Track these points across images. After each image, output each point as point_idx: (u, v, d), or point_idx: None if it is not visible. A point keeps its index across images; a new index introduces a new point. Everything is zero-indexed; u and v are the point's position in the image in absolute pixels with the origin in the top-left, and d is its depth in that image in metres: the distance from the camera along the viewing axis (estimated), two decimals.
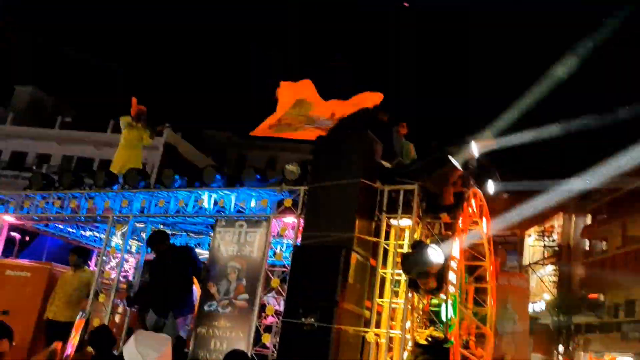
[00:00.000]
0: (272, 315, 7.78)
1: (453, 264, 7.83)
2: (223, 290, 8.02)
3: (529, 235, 31.97)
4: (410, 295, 7.33)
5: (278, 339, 7.34)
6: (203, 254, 9.63)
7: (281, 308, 7.73)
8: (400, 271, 7.50)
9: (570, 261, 29.39)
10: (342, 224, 7.27)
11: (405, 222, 7.72)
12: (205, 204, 8.69)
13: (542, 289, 29.09)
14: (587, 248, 29.70)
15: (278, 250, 8.30)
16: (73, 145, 38.23)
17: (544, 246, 31.27)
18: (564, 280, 29.16)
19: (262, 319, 7.78)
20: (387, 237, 7.69)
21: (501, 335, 10.59)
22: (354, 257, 7.16)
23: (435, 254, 6.98)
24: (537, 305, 27.91)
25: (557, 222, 31.26)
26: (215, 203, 8.60)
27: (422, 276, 6.81)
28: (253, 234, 8.10)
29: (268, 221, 8.09)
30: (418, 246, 7.03)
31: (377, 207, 7.70)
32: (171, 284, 8.18)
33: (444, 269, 7.16)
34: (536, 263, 31.32)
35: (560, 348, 26.98)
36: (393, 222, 7.72)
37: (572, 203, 29.92)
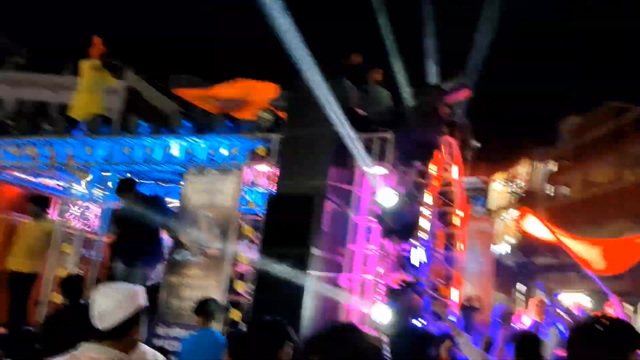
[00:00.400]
0: (246, 264, 7.77)
1: (425, 210, 7.90)
2: (195, 239, 7.95)
3: (495, 181, 32.62)
4: (382, 241, 7.42)
5: (253, 287, 7.38)
6: (172, 202, 9.49)
7: (254, 256, 7.72)
8: (373, 218, 7.55)
9: (533, 206, 30.20)
10: (316, 173, 7.23)
11: (379, 170, 7.71)
12: (175, 152, 8.48)
13: (506, 233, 29.94)
14: (551, 193, 30.49)
15: (250, 199, 8.20)
16: (27, 88, 36.61)
17: (510, 192, 32.00)
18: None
19: (235, 267, 7.77)
20: (360, 185, 7.69)
21: (468, 278, 10.85)
22: (328, 205, 7.16)
23: (408, 203, 7.03)
24: (501, 248, 28.77)
25: (522, 168, 31.92)
26: (186, 151, 8.40)
27: (396, 225, 6.85)
28: (225, 183, 7.98)
29: (240, 169, 7.97)
30: (393, 195, 7.06)
31: (351, 155, 7.64)
32: (139, 233, 8.03)
33: (416, 216, 7.24)
34: (502, 208, 32.11)
35: (520, 287, 28.04)
36: (367, 170, 7.69)
37: (537, 150, 30.54)
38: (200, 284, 7.73)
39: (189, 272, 7.86)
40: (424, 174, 8.01)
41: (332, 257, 7.25)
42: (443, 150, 8.64)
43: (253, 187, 8.19)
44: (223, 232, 7.79)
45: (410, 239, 7.43)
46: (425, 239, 7.70)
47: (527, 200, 30.81)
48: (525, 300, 27.61)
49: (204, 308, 4.98)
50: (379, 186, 7.60)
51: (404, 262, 7.52)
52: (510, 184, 32.55)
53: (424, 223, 7.81)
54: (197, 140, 8.25)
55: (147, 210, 8.09)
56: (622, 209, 22.68)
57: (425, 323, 7.07)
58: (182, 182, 8.47)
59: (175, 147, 8.43)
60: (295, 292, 6.83)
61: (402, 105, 8.58)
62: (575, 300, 25.10)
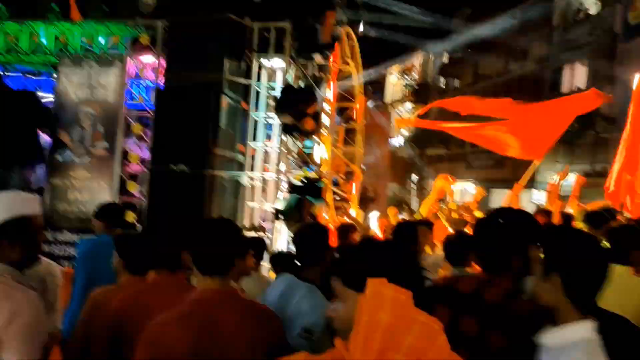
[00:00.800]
0: (137, 163, 7.25)
1: (326, 106, 7.67)
2: (77, 138, 7.26)
3: (391, 74, 32.89)
4: (284, 138, 7.15)
5: (146, 187, 6.95)
6: (46, 97, 8.51)
7: (146, 155, 7.21)
8: (273, 114, 7.21)
9: (427, 98, 30.99)
10: (209, 65, 6.67)
11: (278, 62, 7.26)
12: (43, 40, 7.48)
13: (401, 125, 30.72)
14: (442, 86, 31.32)
15: (137, 93, 7.51)
16: None
17: (405, 85, 32.53)
18: (421, 117, 30.91)
19: (126, 167, 7.24)
20: (258, 79, 7.24)
21: (365, 170, 11.01)
22: (224, 100, 6.70)
23: (306, 96, 6.73)
24: (395, 140, 29.61)
25: (417, 61, 32.31)
26: (56, 39, 7.41)
27: (297, 119, 6.56)
28: (106, 75, 7.21)
29: (122, 60, 7.20)
30: (292, 88, 6.70)
31: (247, 46, 7.11)
32: (11, 133, 7.17)
33: (318, 111, 6.98)
34: (397, 101, 32.72)
35: (414, 177, 29.36)
36: (264, 62, 7.22)
37: (431, 43, 30.85)
38: (88, 186, 7.17)
39: (74, 174, 7.23)
40: (324, 68, 7.69)
41: (231, 155, 6.92)
42: (343, 42, 8.30)
43: (139, 80, 7.48)
44: (109, 130, 7.15)
45: (311, 135, 7.21)
46: (327, 134, 7.52)
47: (420, 92, 31.51)
48: (417, 190, 29.06)
49: (105, 212, 4.56)
50: (278, 80, 7.21)
51: (305, 159, 7.35)
52: (405, 76, 33.04)
53: (324, 119, 7.60)
54: (69, 26, 7.28)
55: (18, 107, 7.22)
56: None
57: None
58: (55, 75, 7.56)
59: (44, 35, 7.41)
60: (194, 193, 6.50)
61: None
62: (463, 189, 26.79)
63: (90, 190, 7.13)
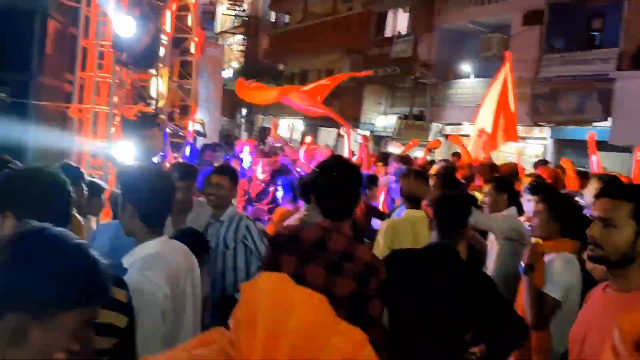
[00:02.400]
0: None
1: (163, 37, 7.45)
2: None
3: (222, 4, 31.98)
4: (117, 69, 6.84)
5: None
6: None
7: None
8: (106, 42, 6.85)
9: (257, 32, 30.83)
10: None
11: None
12: None
13: (231, 57, 30.32)
14: (273, 20, 31.30)
15: None
16: None
17: (235, 15, 31.91)
18: (251, 50, 30.78)
19: None
20: (88, 4, 6.78)
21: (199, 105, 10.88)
22: (52, 23, 6.22)
23: (144, 27, 6.49)
24: (225, 73, 29.24)
25: None
26: None
27: (132, 52, 6.32)
28: None
29: None
30: (128, 18, 6.39)
31: None
32: None
33: (154, 43, 6.77)
34: (226, 32, 32.07)
35: (243, 111, 29.45)
36: None
37: None
38: None
39: None
40: None
41: (58, 85, 6.49)
42: None
43: None
44: None
45: (146, 67, 7.00)
46: (164, 67, 7.34)
47: (250, 25, 31.20)
48: (245, 124, 29.27)
49: None
50: (113, 8, 6.81)
51: (141, 93, 7.14)
52: (236, 8, 32.37)
53: (161, 51, 7.38)
54: None
55: None
56: (335, 41, 24.49)
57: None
58: None
59: None
60: (15, 124, 6.02)
61: None
62: (290, 125, 27.52)
63: None
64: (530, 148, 15.54)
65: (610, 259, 1.83)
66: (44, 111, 6.22)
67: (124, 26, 6.47)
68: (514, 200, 3.82)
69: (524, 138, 15.40)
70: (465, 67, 17.53)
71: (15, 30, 5.99)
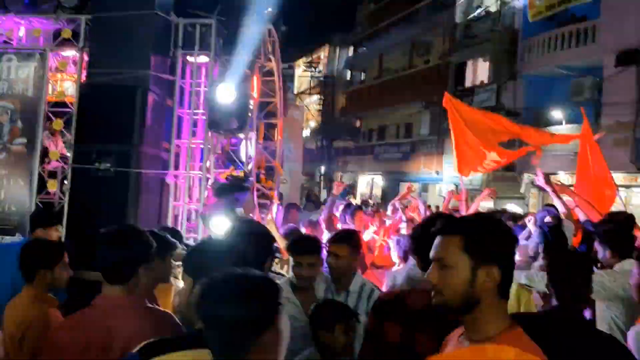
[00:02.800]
0: (57, 160, 7.03)
1: (250, 102, 7.80)
2: None
3: (299, 67, 33.22)
4: (209, 135, 7.22)
5: (67, 186, 6.78)
6: None
7: (67, 152, 7.02)
8: (198, 110, 7.27)
9: (333, 91, 31.60)
10: (135, 61, 6.60)
11: (203, 59, 7.32)
12: None
13: (308, 117, 31.19)
14: (348, 78, 32.02)
15: (58, 88, 7.28)
16: None
17: (311, 77, 32.93)
18: (327, 109, 31.53)
19: (45, 165, 7.01)
20: (183, 76, 7.27)
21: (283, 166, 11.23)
22: (151, 96, 6.68)
23: (236, 93, 6.85)
24: (303, 132, 30.02)
25: (323, 53, 32.82)
26: None
27: (223, 118, 6.66)
28: (25, 69, 6.92)
29: (43, 55, 6.95)
30: (220, 85, 6.79)
31: (173, 42, 7.11)
32: None
33: (244, 108, 7.11)
34: (303, 93, 33.10)
35: (322, 169, 29.94)
36: (189, 59, 7.26)
37: (337, 36, 31.44)
38: (4, 185, 6.87)
39: None
40: (249, 64, 7.80)
41: (156, 153, 6.90)
42: (266, 39, 8.45)
43: (60, 74, 7.26)
44: (28, 126, 6.89)
45: (237, 132, 7.34)
46: (252, 131, 7.67)
47: (326, 84, 32.09)
48: (324, 181, 29.62)
49: (39, 217, 4.47)
50: (206, 76, 7.27)
51: (231, 156, 7.46)
52: (312, 69, 33.46)
53: (249, 115, 7.73)
54: None
55: None
56: (412, 94, 24.54)
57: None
58: None
59: None
60: (117, 192, 6.44)
61: None
62: (370, 180, 27.54)
63: (7, 188, 6.84)
64: (636, 197, 14.36)
65: (451, 305, 1.56)
66: (143, 178, 6.61)
67: (216, 94, 6.88)
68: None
69: (628, 186, 14.46)
70: (556, 113, 16.69)
71: (119, 104, 6.46)
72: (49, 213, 4.74)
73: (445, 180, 20.93)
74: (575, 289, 2.32)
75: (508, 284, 1.58)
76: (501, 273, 1.53)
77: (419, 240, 2.19)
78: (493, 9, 21.10)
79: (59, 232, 4.44)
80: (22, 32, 7.01)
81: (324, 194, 27.37)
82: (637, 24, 14.40)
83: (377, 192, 26.41)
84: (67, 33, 6.85)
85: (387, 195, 23.01)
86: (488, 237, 1.56)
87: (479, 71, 21.99)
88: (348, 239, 3.25)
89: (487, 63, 21.07)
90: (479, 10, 22.21)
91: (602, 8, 15.45)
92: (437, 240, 1.63)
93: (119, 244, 2.19)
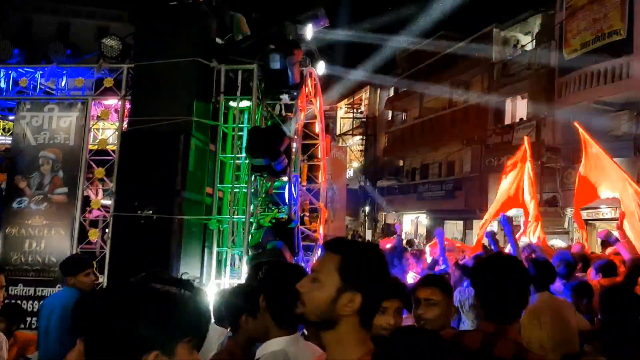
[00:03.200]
0: (99, 209, 6.97)
1: (294, 144, 7.63)
2: (35, 185, 6.95)
3: (340, 108, 33.37)
4: (252, 178, 7.05)
5: (108, 235, 6.67)
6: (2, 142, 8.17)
7: (109, 201, 6.95)
8: (241, 155, 7.12)
9: (375, 131, 31.51)
10: (178, 107, 6.53)
11: (245, 103, 7.22)
12: (1, 84, 7.19)
13: (351, 158, 31.06)
14: (390, 119, 31.94)
15: (100, 136, 7.29)
16: None
17: (353, 118, 33.00)
18: (370, 149, 31.39)
19: (87, 214, 6.95)
20: (225, 120, 7.17)
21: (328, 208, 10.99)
22: (193, 142, 6.56)
23: (280, 135, 6.69)
24: (346, 173, 29.87)
25: (364, 95, 32.91)
26: (15, 82, 7.13)
27: (271, 158, 6.48)
28: (67, 119, 6.98)
29: (85, 103, 6.99)
30: (263, 129, 6.65)
31: (215, 88, 7.04)
32: None
33: (288, 150, 6.93)
34: (345, 134, 33.11)
35: (366, 209, 29.57)
36: (232, 104, 7.17)
37: (377, 77, 31.50)
38: (45, 235, 6.83)
39: (31, 221, 6.88)
40: (290, 107, 7.68)
41: (199, 199, 6.75)
42: (307, 81, 8.33)
43: (102, 122, 7.27)
44: (69, 175, 6.88)
45: (281, 175, 7.14)
46: (295, 173, 7.47)
47: (368, 125, 32.04)
48: (369, 221, 29.21)
49: (72, 266, 4.36)
50: (246, 121, 7.16)
51: (275, 199, 7.25)
52: (354, 110, 33.56)
53: (292, 157, 7.54)
54: (31, 70, 7.03)
55: None
56: (453, 132, 24.42)
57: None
58: (12, 118, 7.26)
59: (2, 78, 7.12)
60: (160, 241, 6.27)
61: (263, 35, 8.04)
62: (414, 219, 27.04)
63: (48, 239, 6.80)
64: None
65: (310, 318, 1.57)
66: (186, 224, 6.44)
67: (260, 137, 6.72)
68: None
69: None
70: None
71: (161, 151, 6.37)
72: (75, 259, 4.61)
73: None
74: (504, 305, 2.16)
75: (370, 314, 1.59)
76: (362, 303, 1.54)
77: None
78: (529, 47, 21.24)
79: (90, 277, 4.30)
80: (63, 82, 7.05)
81: (368, 234, 26.88)
82: None
83: (422, 230, 25.87)
84: (109, 82, 6.88)
85: (432, 234, 22.53)
86: (364, 265, 1.57)
87: (517, 108, 22.05)
88: (441, 283, 2.75)
89: (525, 100, 21.20)
90: (515, 49, 22.36)
91: (634, 44, 15.47)
92: (321, 253, 1.66)
93: None
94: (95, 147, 7.09)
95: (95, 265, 6.69)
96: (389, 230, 23.16)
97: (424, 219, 26.12)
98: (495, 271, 2.15)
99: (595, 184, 7.57)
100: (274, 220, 6.99)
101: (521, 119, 21.25)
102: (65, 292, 4.44)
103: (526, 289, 2.21)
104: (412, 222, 27.56)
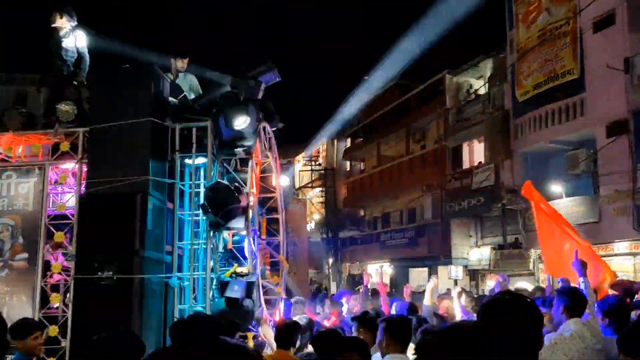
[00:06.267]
0: (59, 273, 6.96)
1: (251, 199, 7.82)
2: None
3: (298, 162, 33.79)
4: (211, 234, 7.19)
5: (70, 298, 6.66)
6: None
7: (70, 265, 6.96)
8: (199, 212, 7.27)
9: (334, 182, 31.95)
10: (134, 168, 6.69)
11: (200, 160, 7.44)
12: None
13: (312, 210, 31.31)
14: (348, 169, 32.47)
15: (59, 201, 7.34)
16: None
17: (311, 170, 33.43)
18: (330, 200, 31.73)
19: (48, 279, 6.93)
20: (182, 178, 7.35)
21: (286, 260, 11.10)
22: (151, 201, 6.70)
23: (235, 192, 6.90)
24: (307, 226, 30.02)
25: (322, 146, 33.49)
26: None
27: (228, 215, 6.66)
28: (25, 185, 7.06)
29: (42, 169, 7.09)
30: (219, 186, 6.85)
31: (170, 146, 7.25)
32: None
33: (245, 206, 7.12)
34: (305, 186, 33.44)
35: (330, 261, 29.64)
36: (187, 161, 7.38)
37: (334, 130, 32.19)
38: (7, 302, 6.79)
39: None
40: (245, 162, 7.91)
41: (159, 257, 6.84)
42: (262, 136, 8.61)
43: (59, 187, 7.34)
44: (29, 240, 6.90)
45: (239, 230, 7.30)
46: (253, 227, 7.63)
47: (326, 176, 32.51)
48: (333, 273, 29.21)
49: (20, 329, 4.37)
50: (202, 177, 7.36)
51: (235, 254, 7.39)
52: (312, 163, 34.03)
53: (250, 212, 7.72)
54: None
55: None
56: (413, 179, 24.88)
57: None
58: None
59: None
60: (122, 301, 6.31)
61: (216, 92, 8.36)
62: (378, 269, 27.16)
63: (10, 306, 6.76)
64: None
65: None
66: (147, 284, 6.50)
67: (218, 193, 6.91)
68: None
69: (635, 254, 14.36)
70: (555, 187, 16.84)
71: (119, 212, 6.49)
72: (23, 323, 4.60)
73: (454, 262, 20.71)
74: None
75: None
76: None
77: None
78: (482, 91, 21.86)
79: (38, 341, 4.34)
80: (20, 149, 7.15)
81: (333, 286, 26.84)
82: (621, 95, 14.81)
83: (386, 280, 26.00)
84: (65, 146, 7.01)
85: (397, 282, 22.65)
86: None
87: (475, 152, 22.43)
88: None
89: (482, 144, 21.51)
90: (469, 94, 23.01)
91: (586, 83, 15.95)
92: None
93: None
94: (55, 211, 7.14)
95: (57, 330, 6.67)
96: (354, 281, 23.21)
97: (388, 268, 26.30)
98: None
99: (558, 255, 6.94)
100: (234, 275, 7.11)
101: (479, 163, 21.58)
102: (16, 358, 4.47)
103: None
104: (377, 272, 27.68)
